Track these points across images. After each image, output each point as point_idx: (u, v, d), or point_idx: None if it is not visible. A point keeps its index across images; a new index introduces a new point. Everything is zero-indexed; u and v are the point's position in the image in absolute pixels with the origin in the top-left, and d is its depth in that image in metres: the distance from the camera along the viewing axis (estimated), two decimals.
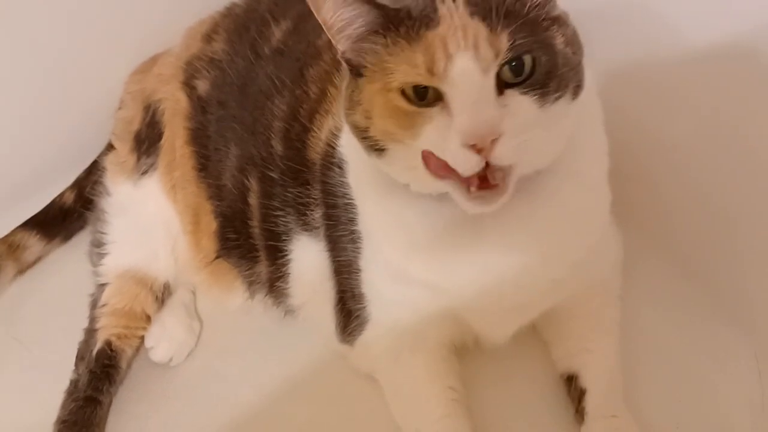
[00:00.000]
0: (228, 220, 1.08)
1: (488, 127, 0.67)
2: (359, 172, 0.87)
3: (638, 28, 1.05)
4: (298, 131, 0.98)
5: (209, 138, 1.09)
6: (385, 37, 0.72)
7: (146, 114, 1.14)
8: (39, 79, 1.14)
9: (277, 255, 1.02)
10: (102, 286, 1.12)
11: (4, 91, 1.11)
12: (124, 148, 1.15)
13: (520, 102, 0.69)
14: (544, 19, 0.72)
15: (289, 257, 1.01)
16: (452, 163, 0.69)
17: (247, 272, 1.08)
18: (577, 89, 0.74)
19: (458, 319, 0.91)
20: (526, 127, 0.69)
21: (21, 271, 1.21)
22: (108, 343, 1.06)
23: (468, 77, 0.68)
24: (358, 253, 0.90)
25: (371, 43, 0.73)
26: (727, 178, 1.00)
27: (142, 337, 1.10)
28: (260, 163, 1.02)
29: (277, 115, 1.01)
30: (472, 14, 0.69)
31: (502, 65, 0.69)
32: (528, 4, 0.71)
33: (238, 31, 1.12)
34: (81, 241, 1.23)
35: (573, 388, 0.94)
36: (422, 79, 0.69)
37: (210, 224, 1.10)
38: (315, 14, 0.73)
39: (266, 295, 1.08)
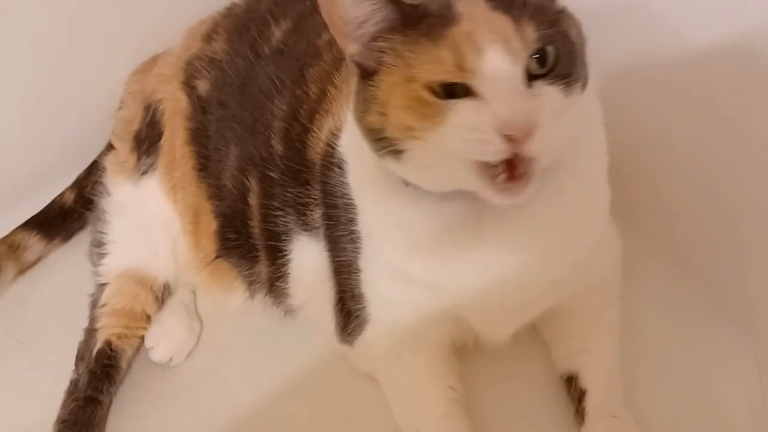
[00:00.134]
0: (228, 220, 1.08)
1: (526, 118, 0.66)
2: (359, 172, 0.87)
3: (638, 28, 1.05)
4: (298, 131, 0.98)
5: (209, 138, 1.09)
6: (403, 34, 0.71)
7: (146, 114, 1.14)
8: (39, 79, 1.14)
9: (277, 255, 1.02)
10: (102, 286, 1.12)
11: (4, 91, 1.11)
12: (124, 148, 1.15)
13: (549, 92, 0.69)
14: (558, 12, 0.73)
15: (288, 257, 1.01)
16: (481, 151, 0.68)
17: (247, 272, 1.08)
18: (585, 81, 0.74)
19: (458, 318, 0.91)
20: (557, 116, 0.69)
21: (21, 272, 1.21)
22: (108, 343, 1.06)
23: (501, 70, 0.67)
24: (358, 253, 0.90)
25: (389, 42, 0.72)
26: (727, 177, 1.00)
27: (142, 337, 1.10)
28: (260, 163, 1.02)
29: (277, 115, 1.01)
30: (493, 8, 0.69)
31: (529, 57, 0.69)
32: None
33: (238, 31, 1.12)
34: (81, 241, 1.23)
35: (573, 389, 0.94)
36: (451, 76, 0.68)
37: (210, 224, 1.10)
38: (326, 16, 0.72)
39: (266, 295, 1.08)
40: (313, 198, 0.95)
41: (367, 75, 0.74)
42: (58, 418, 1.00)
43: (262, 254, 1.05)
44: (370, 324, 0.94)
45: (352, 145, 0.87)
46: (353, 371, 1.00)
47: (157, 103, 1.14)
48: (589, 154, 0.85)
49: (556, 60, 0.70)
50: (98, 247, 1.13)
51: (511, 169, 0.69)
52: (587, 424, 0.90)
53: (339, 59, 0.98)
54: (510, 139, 0.66)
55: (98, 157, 1.21)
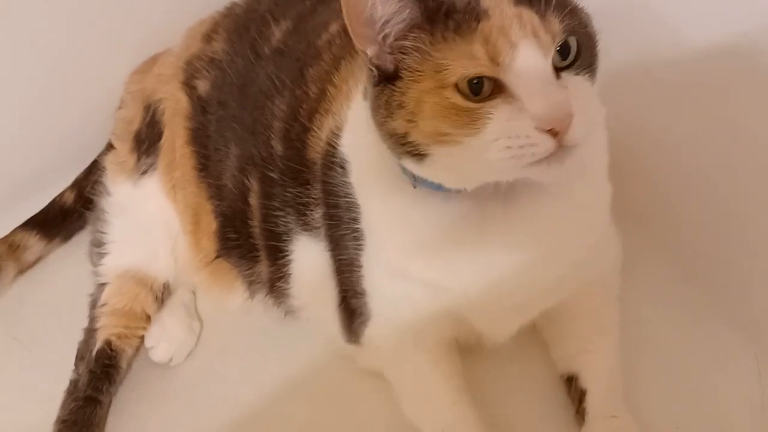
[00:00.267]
0: (228, 220, 1.08)
1: (563, 109, 0.67)
2: (363, 172, 0.87)
3: (638, 28, 1.05)
4: (298, 131, 0.98)
5: (209, 138, 1.09)
6: (429, 33, 0.71)
7: (146, 114, 1.14)
8: (39, 79, 1.14)
9: (277, 255, 1.02)
10: (102, 286, 1.12)
11: (4, 91, 1.11)
12: (124, 148, 1.15)
13: (577, 82, 0.70)
14: (574, 4, 0.74)
15: (289, 257, 1.01)
16: (530, 155, 0.68)
17: (247, 272, 1.08)
18: (597, 71, 0.75)
19: (459, 317, 0.91)
20: (588, 104, 0.71)
21: (21, 271, 1.21)
22: (108, 343, 1.06)
23: (534, 64, 0.68)
24: (360, 250, 0.90)
25: (413, 41, 0.71)
26: (728, 177, 1.00)
27: (142, 337, 1.10)
28: (260, 163, 1.02)
29: (277, 115, 1.01)
30: (517, 3, 0.70)
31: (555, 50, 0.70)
32: None
33: (238, 31, 1.12)
34: (81, 241, 1.23)
35: (573, 389, 0.94)
36: (486, 70, 0.68)
37: (210, 224, 1.10)
38: (347, 16, 0.70)
39: (267, 295, 1.08)
40: (313, 198, 0.95)
41: (386, 78, 0.73)
42: (58, 418, 1.00)
43: (263, 254, 1.05)
44: (372, 321, 0.94)
45: (354, 145, 0.87)
46: (353, 371, 1.00)
47: (157, 103, 1.14)
48: (590, 151, 0.85)
49: (579, 50, 0.71)
50: (98, 246, 1.14)
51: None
52: (587, 424, 0.90)
53: (338, 59, 0.98)
54: (552, 132, 0.67)
55: (98, 157, 1.21)
